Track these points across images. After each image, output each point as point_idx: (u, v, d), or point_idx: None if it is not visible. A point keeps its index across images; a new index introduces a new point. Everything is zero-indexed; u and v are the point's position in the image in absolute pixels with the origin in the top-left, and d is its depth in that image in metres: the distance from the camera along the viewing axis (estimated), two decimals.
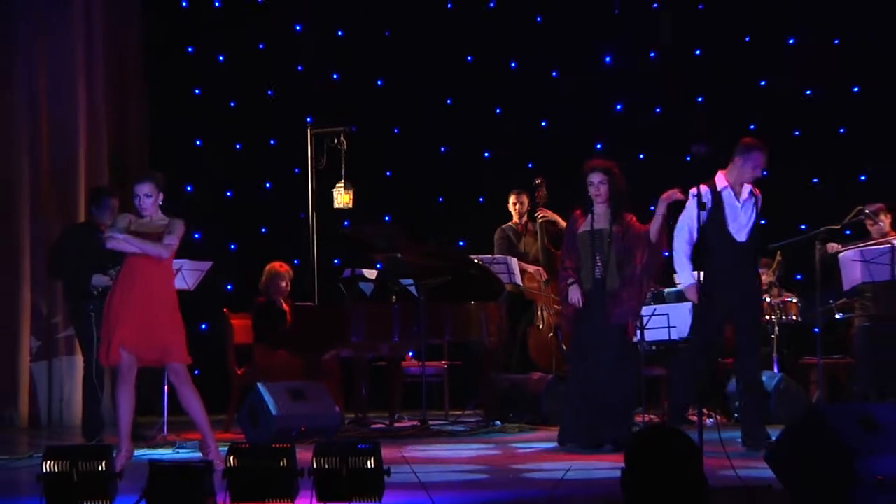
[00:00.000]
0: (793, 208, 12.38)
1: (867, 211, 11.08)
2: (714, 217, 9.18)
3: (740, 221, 9.34)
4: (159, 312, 8.32)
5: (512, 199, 12.22)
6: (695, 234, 9.15)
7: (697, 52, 13.59)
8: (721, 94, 13.43)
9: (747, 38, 13.52)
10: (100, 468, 6.67)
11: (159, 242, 8.16)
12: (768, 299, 11.58)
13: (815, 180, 13.05)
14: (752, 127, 13.14)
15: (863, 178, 12.80)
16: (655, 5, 13.46)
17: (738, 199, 9.36)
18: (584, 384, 9.02)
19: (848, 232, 11.41)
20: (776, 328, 11.66)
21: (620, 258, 8.98)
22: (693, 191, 8.87)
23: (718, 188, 9.36)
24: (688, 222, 9.24)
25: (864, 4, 13.21)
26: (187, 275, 10.38)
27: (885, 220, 11.06)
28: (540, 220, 12.02)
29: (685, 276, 9.43)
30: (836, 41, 13.42)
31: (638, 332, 9.66)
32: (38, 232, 11.54)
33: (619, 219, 9.00)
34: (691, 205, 9.04)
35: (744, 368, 9.53)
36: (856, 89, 13.39)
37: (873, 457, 6.75)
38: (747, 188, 9.40)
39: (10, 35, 11.56)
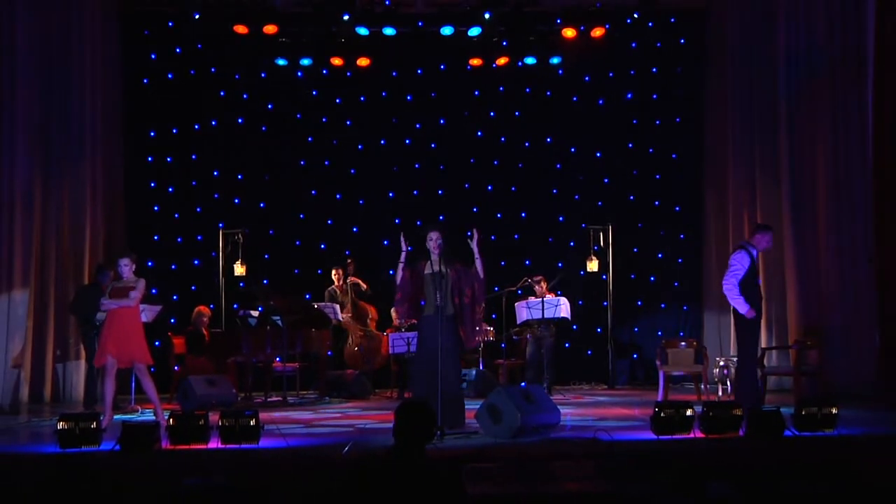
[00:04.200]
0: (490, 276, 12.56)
1: (531, 279, 11.39)
2: (752, 270, 8.18)
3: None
4: (129, 335, 8.28)
5: (333, 272, 12.19)
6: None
7: (441, 166, 13.55)
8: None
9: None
10: (92, 426, 6.56)
11: (128, 297, 8.32)
12: (478, 328, 11.63)
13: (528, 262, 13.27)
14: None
15: (528, 262, 13.06)
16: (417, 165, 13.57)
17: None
18: (429, 380, 7.61)
19: (520, 292, 11.67)
20: (482, 344, 11.67)
21: (453, 292, 7.87)
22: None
23: (755, 255, 8.25)
24: (741, 272, 8.10)
25: None
26: (148, 313, 10.20)
27: (542, 285, 11.36)
28: (350, 282, 12.03)
29: (743, 305, 8.06)
30: None
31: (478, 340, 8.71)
32: (60, 288, 11.10)
33: (450, 264, 7.84)
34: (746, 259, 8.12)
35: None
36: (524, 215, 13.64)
37: (531, 414, 6.96)
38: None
39: (47, 175, 11.14)
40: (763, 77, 11.45)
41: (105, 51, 11.86)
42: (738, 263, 8.13)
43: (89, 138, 11.50)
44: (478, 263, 7.91)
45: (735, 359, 9.58)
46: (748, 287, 8.10)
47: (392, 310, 11.43)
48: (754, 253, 8.24)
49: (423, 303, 7.98)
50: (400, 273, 7.95)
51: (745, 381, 8.13)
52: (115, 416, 8.40)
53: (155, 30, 12.81)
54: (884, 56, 9.71)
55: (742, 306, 8.04)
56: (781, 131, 11.03)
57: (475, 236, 7.84)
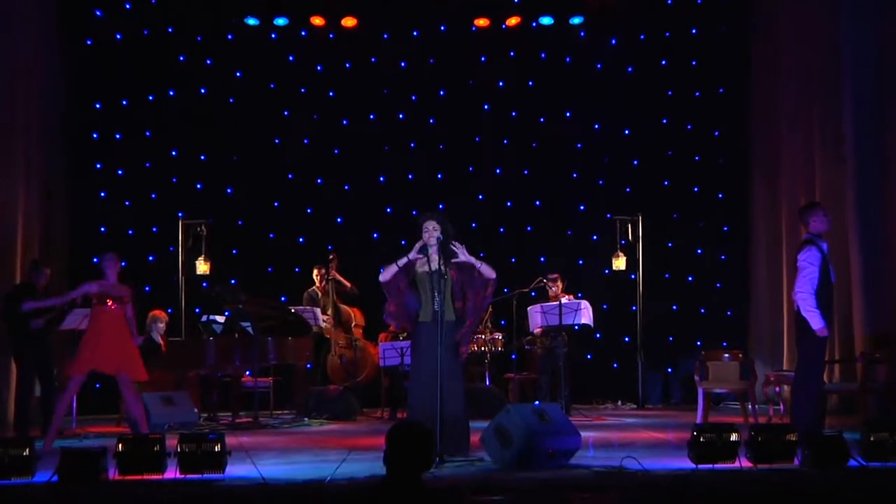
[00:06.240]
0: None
1: (546, 279, 11.29)
2: (825, 268, 7.79)
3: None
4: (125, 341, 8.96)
5: (315, 271, 12.14)
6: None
7: (441, 146, 13.54)
8: None
9: None
10: (24, 453, 6.52)
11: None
12: (483, 336, 11.58)
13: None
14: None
15: (543, 259, 13.00)
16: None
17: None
18: (427, 398, 7.29)
19: (533, 294, 11.59)
20: (488, 355, 11.59)
21: (455, 294, 7.47)
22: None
23: (825, 248, 7.86)
24: (815, 274, 7.69)
25: None
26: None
27: (558, 286, 11.26)
28: (331, 279, 11.99)
29: (819, 321, 7.69)
30: None
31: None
32: None
33: (449, 260, 7.37)
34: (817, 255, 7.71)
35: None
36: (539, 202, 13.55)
37: (546, 437, 6.91)
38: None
39: None
40: (822, 36, 11.23)
41: (39, 5, 11.76)
42: (810, 263, 7.76)
43: (21, 111, 11.40)
44: (480, 266, 7.50)
45: (790, 374, 9.49)
46: (821, 289, 7.78)
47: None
48: (824, 247, 7.86)
49: (417, 306, 7.59)
50: (391, 272, 7.51)
51: (805, 401, 7.79)
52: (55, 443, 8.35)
53: None
54: None
55: (817, 321, 7.69)
56: (846, 100, 10.78)
57: (459, 250, 7.43)
